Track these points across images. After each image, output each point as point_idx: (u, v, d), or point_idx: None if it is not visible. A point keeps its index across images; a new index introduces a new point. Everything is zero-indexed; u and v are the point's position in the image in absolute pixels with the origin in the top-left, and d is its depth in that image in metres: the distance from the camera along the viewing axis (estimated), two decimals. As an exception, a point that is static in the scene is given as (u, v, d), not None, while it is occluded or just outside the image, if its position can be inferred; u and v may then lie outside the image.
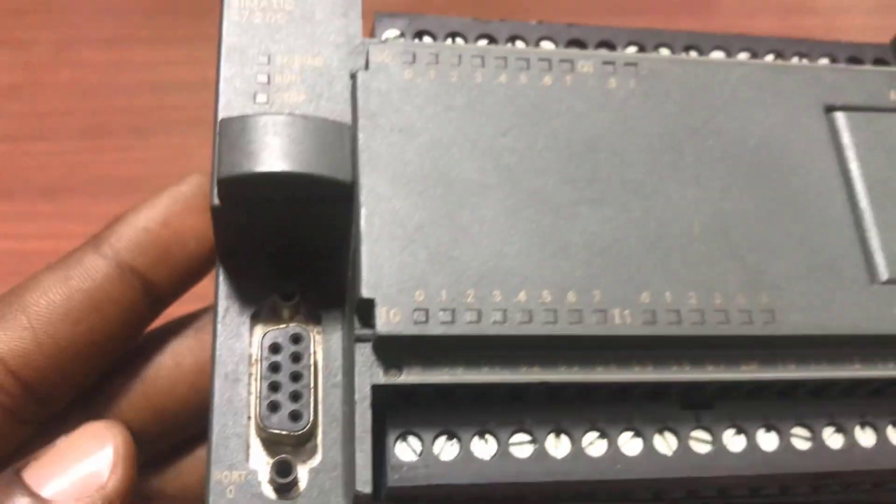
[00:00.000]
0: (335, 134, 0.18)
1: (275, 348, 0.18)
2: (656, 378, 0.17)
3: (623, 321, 0.17)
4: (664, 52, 0.21)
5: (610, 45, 0.21)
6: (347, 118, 0.18)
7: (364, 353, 0.17)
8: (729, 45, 0.22)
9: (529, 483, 0.17)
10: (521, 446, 0.17)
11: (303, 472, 0.17)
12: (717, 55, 0.22)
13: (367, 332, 0.17)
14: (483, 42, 0.21)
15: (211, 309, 0.20)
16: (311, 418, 0.17)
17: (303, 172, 0.17)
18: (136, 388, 0.22)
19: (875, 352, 0.18)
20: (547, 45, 0.21)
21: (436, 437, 0.17)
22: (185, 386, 0.22)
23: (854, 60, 0.22)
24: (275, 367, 0.18)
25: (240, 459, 0.17)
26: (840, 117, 0.20)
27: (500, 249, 0.17)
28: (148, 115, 0.38)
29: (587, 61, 0.19)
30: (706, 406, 0.18)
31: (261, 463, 0.17)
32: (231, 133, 0.17)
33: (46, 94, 0.39)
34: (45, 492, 0.18)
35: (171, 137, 0.37)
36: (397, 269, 0.17)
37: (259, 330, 0.18)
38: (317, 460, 0.18)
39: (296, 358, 0.18)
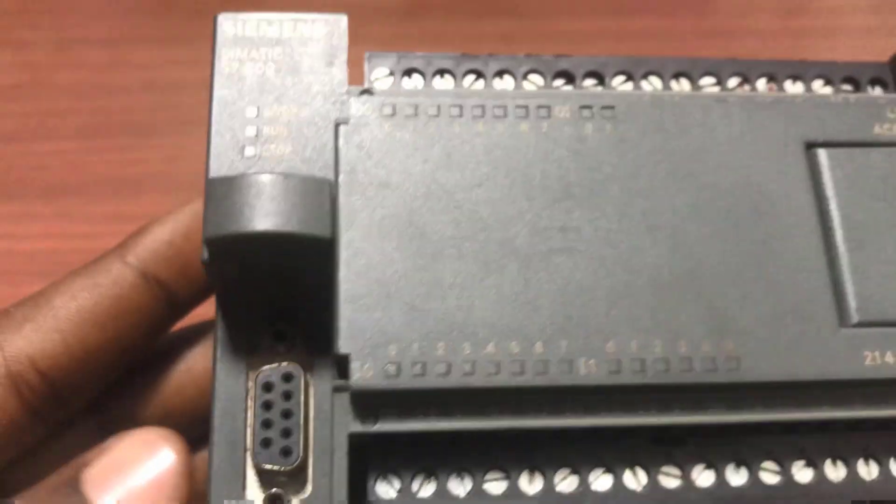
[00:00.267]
0: (316, 191, 0.18)
1: (267, 387, 0.19)
2: (623, 423, 0.18)
3: (588, 371, 0.18)
4: (654, 80, 0.22)
5: (598, 76, 0.22)
6: (331, 169, 0.19)
7: (342, 403, 0.18)
8: (720, 70, 0.22)
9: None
10: (495, 482, 0.18)
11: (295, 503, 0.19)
12: (708, 80, 0.22)
13: (344, 383, 0.18)
14: (471, 77, 0.21)
15: None
16: (301, 454, 0.19)
17: (282, 232, 0.18)
18: (150, 392, 0.23)
19: (843, 394, 0.19)
20: (535, 79, 0.21)
21: (414, 475, 0.18)
22: (193, 389, 0.23)
23: (850, 81, 0.22)
24: (267, 405, 0.19)
25: (237, 491, 0.19)
26: (821, 154, 0.20)
27: (470, 302, 0.18)
28: (148, 115, 0.37)
29: (564, 105, 0.20)
30: (679, 442, 0.19)
31: (256, 494, 0.19)
32: (216, 194, 0.18)
33: (46, 94, 0.38)
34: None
35: (171, 137, 0.37)
36: (373, 324, 0.18)
37: (254, 369, 0.20)
38: (307, 492, 0.19)
39: (287, 396, 0.19)
